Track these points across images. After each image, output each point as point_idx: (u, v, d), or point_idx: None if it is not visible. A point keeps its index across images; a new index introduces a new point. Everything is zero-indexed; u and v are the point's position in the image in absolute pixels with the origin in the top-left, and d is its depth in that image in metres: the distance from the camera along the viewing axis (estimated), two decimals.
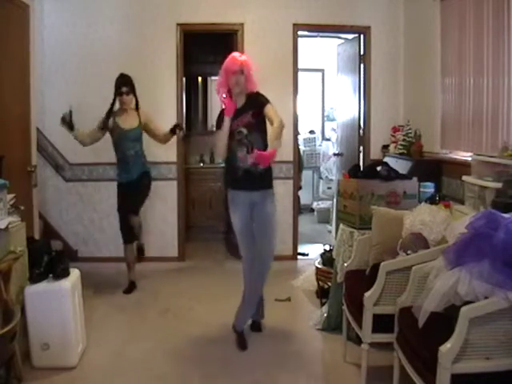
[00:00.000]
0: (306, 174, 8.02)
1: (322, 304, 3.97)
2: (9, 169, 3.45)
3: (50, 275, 3.07)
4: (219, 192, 6.55)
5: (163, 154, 5.30)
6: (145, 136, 4.51)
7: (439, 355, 1.95)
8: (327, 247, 4.33)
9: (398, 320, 2.47)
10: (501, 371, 1.97)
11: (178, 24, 5.36)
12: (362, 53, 5.67)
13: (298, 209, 5.95)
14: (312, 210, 7.89)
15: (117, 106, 4.38)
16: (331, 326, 3.60)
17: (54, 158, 5.40)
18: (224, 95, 3.26)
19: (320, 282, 4.17)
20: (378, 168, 3.60)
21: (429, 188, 3.70)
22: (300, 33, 5.54)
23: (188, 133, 6.62)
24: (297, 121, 5.59)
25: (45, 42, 5.25)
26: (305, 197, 7.86)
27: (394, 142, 5.21)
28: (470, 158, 3.50)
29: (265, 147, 3.21)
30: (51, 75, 5.29)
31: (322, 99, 8.61)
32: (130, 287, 4.52)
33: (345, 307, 3.10)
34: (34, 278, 3.04)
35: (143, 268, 4.94)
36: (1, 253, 2.79)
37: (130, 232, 4.45)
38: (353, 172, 3.69)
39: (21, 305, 2.94)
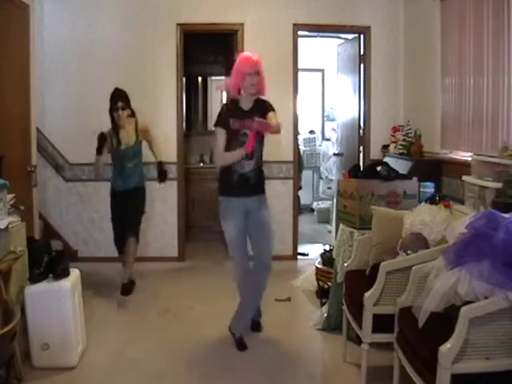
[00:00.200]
0: (306, 174, 8.02)
1: (322, 304, 3.97)
2: (9, 169, 3.45)
3: (50, 275, 3.07)
4: None
5: (163, 154, 5.29)
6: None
7: (439, 355, 1.95)
8: (327, 247, 4.33)
9: (398, 320, 2.47)
10: (501, 371, 1.97)
11: (177, 24, 5.36)
12: (362, 53, 5.67)
13: (298, 209, 5.95)
14: (312, 210, 7.89)
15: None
16: (331, 326, 3.60)
17: (54, 158, 5.40)
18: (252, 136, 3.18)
19: (320, 282, 4.16)
20: (378, 168, 3.60)
21: (429, 188, 3.70)
22: (300, 33, 5.54)
23: (188, 133, 6.62)
24: (297, 121, 5.59)
25: (45, 41, 5.25)
26: (305, 197, 7.86)
27: (394, 142, 5.21)
28: (470, 158, 3.50)
29: (261, 157, 3.34)
30: (51, 75, 5.29)
31: (322, 99, 8.61)
32: (126, 288, 4.28)
33: (345, 307, 3.10)
34: (34, 278, 3.04)
35: (143, 268, 4.94)
36: (1, 253, 2.79)
37: (124, 244, 4.29)
38: (353, 172, 3.69)
39: (21, 305, 2.94)
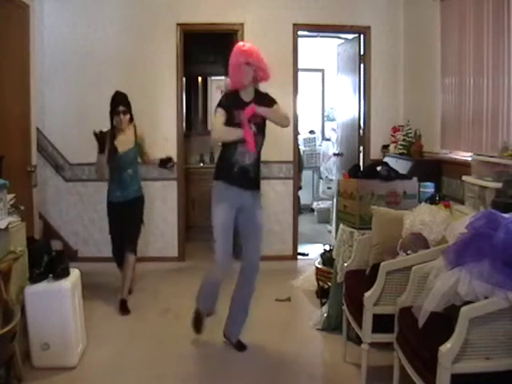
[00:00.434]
0: (306, 174, 8.02)
1: (322, 304, 3.97)
2: (9, 169, 3.45)
3: (50, 275, 3.07)
4: None
5: (163, 154, 5.29)
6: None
7: (439, 355, 1.95)
8: (327, 247, 4.33)
9: (398, 320, 2.47)
10: (501, 371, 1.97)
11: (177, 24, 5.36)
12: (362, 53, 5.67)
13: (298, 209, 5.95)
14: (312, 210, 7.89)
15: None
16: (331, 326, 3.60)
17: (53, 158, 5.40)
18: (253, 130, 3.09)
19: (320, 282, 4.16)
20: (378, 168, 3.60)
21: (429, 188, 3.70)
22: (300, 33, 5.54)
23: (188, 133, 6.62)
24: (297, 121, 5.59)
25: (45, 41, 5.25)
26: (305, 197, 7.86)
27: (394, 142, 5.21)
28: (470, 158, 3.50)
29: (260, 151, 3.24)
30: (51, 75, 5.29)
31: (322, 99, 8.62)
32: (125, 305, 4.05)
33: (345, 307, 3.10)
34: (34, 278, 3.04)
35: (143, 268, 4.94)
36: (1, 253, 2.79)
37: (122, 258, 4.16)
38: (353, 172, 3.69)
39: (21, 305, 2.94)
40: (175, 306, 4.16)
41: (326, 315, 3.66)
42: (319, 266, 4.18)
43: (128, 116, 4.10)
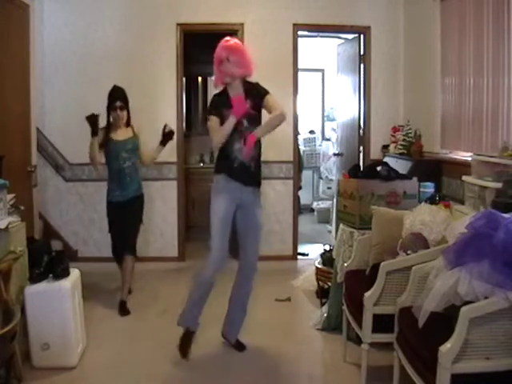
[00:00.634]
0: (306, 174, 8.02)
1: (322, 304, 3.97)
2: (9, 169, 3.45)
3: (50, 275, 3.07)
4: None
5: (163, 154, 5.29)
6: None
7: (439, 355, 1.95)
8: (327, 247, 4.33)
9: (398, 320, 2.47)
10: (501, 371, 1.97)
11: (177, 24, 5.36)
12: (362, 53, 5.67)
13: (298, 209, 5.95)
14: (312, 210, 7.89)
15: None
16: (331, 325, 3.60)
17: (54, 158, 5.41)
18: (242, 96, 3.03)
19: (320, 282, 4.17)
20: (378, 168, 3.60)
21: (429, 188, 3.70)
22: (300, 33, 5.54)
23: (188, 133, 6.62)
24: (297, 121, 5.59)
25: (45, 41, 5.25)
26: (305, 197, 7.86)
27: (394, 142, 5.21)
28: (470, 158, 3.50)
29: (260, 143, 3.16)
30: (51, 75, 5.29)
31: (322, 99, 8.62)
32: (125, 307, 4.03)
33: (345, 307, 3.10)
34: (34, 278, 3.04)
35: (143, 268, 4.94)
36: (1, 253, 2.79)
37: (122, 257, 4.12)
38: (353, 172, 3.69)
39: (21, 305, 2.94)
40: (175, 306, 4.14)
41: (325, 315, 3.66)
42: (319, 266, 4.18)
43: (125, 112, 4.03)
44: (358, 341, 2.85)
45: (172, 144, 5.37)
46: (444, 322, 2.10)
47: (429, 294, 2.14)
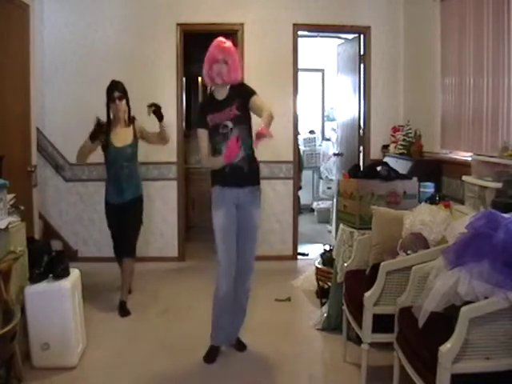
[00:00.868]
0: (306, 174, 8.03)
1: (322, 304, 3.97)
2: (9, 169, 3.45)
3: (50, 275, 3.07)
4: None
5: (163, 154, 5.31)
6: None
7: (439, 355, 1.95)
8: (327, 247, 4.33)
9: (398, 320, 2.47)
10: (501, 371, 1.97)
11: (177, 24, 5.36)
12: (362, 53, 5.67)
13: (298, 209, 5.95)
14: (312, 210, 7.89)
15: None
16: (331, 325, 3.60)
17: (54, 158, 5.41)
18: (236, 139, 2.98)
19: (320, 282, 4.16)
20: (378, 168, 3.60)
21: (429, 188, 3.70)
22: (300, 33, 5.54)
23: (188, 133, 6.61)
24: (297, 121, 5.59)
25: (45, 41, 5.25)
26: (305, 197, 7.86)
27: (394, 142, 5.21)
28: (470, 158, 3.50)
29: (251, 140, 3.11)
30: (51, 75, 5.30)
31: (322, 99, 8.62)
32: (125, 307, 4.02)
33: (345, 307, 3.10)
34: (34, 278, 3.04)
35: (143, 268, 4.94)
36: (1, 253, 2.79)
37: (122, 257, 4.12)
38: (353, 172, 3.69)
39: (21, 305, 2.94)
40: (175, 306, 4.16)
41: (325, 315, 3.66)
42: (319, 266, 4.18)
43: (124, 103, 3.96)
44: (358, 341, 2.85)
45: (172, 144, 5.38)
46: (444, 321, 2.10)
47: (429, 293, 2.14)
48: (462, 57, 4.20)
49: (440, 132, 4.66)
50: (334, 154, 6.95)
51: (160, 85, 5.39)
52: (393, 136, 5.29)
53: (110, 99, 3.94)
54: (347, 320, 3.07)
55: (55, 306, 2.99)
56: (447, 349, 1.93)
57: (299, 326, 3.82)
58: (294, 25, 5.44)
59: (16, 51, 4.21)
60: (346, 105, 6.23)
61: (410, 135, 4.91)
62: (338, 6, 5.49)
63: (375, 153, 5.62)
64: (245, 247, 3.26)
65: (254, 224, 3.26)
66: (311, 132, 8.39)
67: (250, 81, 3.58)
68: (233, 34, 5.48)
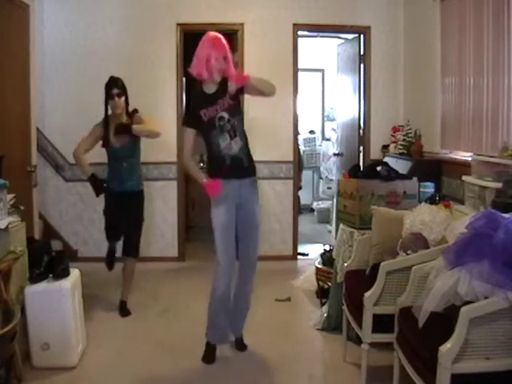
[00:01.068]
0: (306, 174, 8.03)
1: (322, 304, 3.97)
2: (9, 169, 3.45)
3: (50, 275, 3.07)
4: None
5: (163, 153, 5.31)
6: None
7: (439, 355, 1.95)
8: (327, 247, 4.33)
9: (398, 320, 2.47)
10: (501, 371, 1.97)
11: (177, 24, 5.36)
12: (362, 53, 5.67)
13: (298, 209, 5.95)
14: (312, 210, 7.89)
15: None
16: (331, 325, 3.60)
17: (53, 158, 5.41)
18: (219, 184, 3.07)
19: (320, 282, 4.16)
20: (378, 168, 3.60)
21: (429, 188, 3.70)
22: (300, 33, 5.54)
23: None
24: (297, 121, 5.59)
25: (45, 41, 5.25)
26: (305, 197, 7.86)
27: (394, 142, 5.21)
28: (470, 158, 3.50)
29: (244, 131, 3.15)
30: (51, 75, 5.29)
31: (322, 99, 8.62)
32: (125, 307, 4.02)
33: (345, 307, 3.10)
34: (34, 278, 3.04)
35: (143, 268, 4.93)
36: (1, 253, 2.79)
37: (114, 261, 4.12)
38: (353, 172, 3.69)
39: (21, 305, 2.94)
40: (175, 306, 4.16)
41: (325, 315, 3.66)
42: (319, 266, 4.18)
43: (123, 99, 3.89)
44: (358, 341, 2.85)
45: (172, 144, 5.39)
46: (444, 322, 2.10)
47: (429, 293, 2.14)
48: (462, 57, 4.20)
49: (440, 132, 4.66)
50: (334, 154, 6.95)
51: (160, 85, 5.39)
52: (393, 136, 5.29)
53: (109, 96, 3.89)
54: (347, 320, 3.07)
55: (55, 306, 2.99)
56: (447, 349, 1.93)
57: (299, 326, 3.82)
58: (294, 25, 5.44)
59: (16, 51, 4.21)
60: (345, 105, 6.23)
61: (410, 135, 4.91)
62: (338, 6, 5.49)
63: (375, 153, 5.62)
64: (248, 246, 3.25)
65: (256, 222, 3.26)
66: (311, 132, 8.39)
67: None
68: (233, 33, 5.49)
